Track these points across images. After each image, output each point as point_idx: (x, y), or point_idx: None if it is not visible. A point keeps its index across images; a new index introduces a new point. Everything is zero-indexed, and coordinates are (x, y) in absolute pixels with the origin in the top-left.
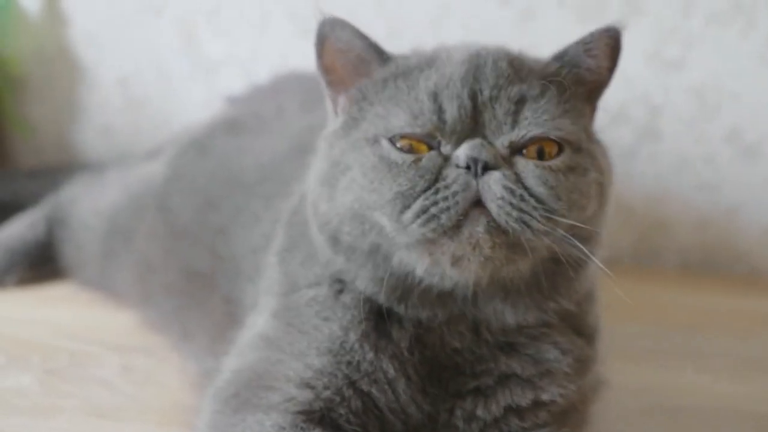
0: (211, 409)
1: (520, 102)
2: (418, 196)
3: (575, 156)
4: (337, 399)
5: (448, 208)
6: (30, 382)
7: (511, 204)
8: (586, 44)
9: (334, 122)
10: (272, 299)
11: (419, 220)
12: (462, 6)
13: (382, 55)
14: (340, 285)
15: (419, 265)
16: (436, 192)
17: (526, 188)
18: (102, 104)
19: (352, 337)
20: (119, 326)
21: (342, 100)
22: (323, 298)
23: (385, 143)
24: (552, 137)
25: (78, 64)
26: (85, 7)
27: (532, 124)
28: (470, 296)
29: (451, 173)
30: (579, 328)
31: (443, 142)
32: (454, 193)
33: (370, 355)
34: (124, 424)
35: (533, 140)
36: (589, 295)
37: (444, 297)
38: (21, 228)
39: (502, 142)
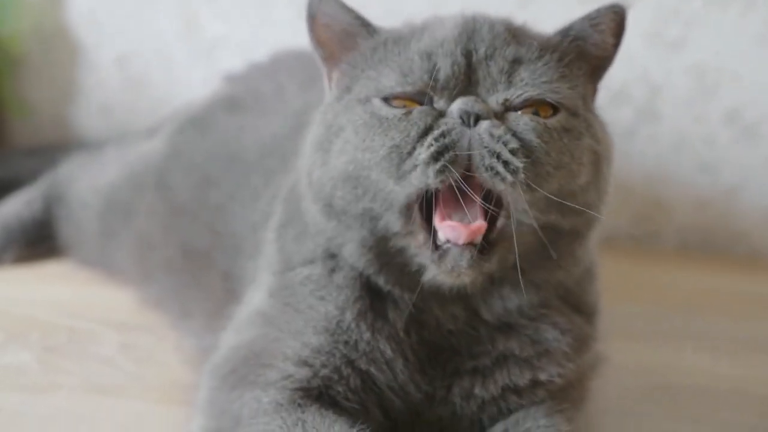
0: (209, 385)
1: (516, 62)
2: (414, 144)
3: (571, 119)
4: (335, 377)
5: (454, 160)
6: (29, 360)
7: (488, 149)
8: (592, 19)
9: (329, 96)
10: (269, 276)
11: (434, 167)
12: None
13: (369, 28)
14: (332, 263)
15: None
16: (442, 136)
17: (515, 135)
18: (100, 84)
19: (348, 316)
20: (118, 304)
21: (335, 74)
22: (317, 277)
23: (376, 101)
24: (548, 99)
25: (76, 44)
26: None
27: (528, 84)
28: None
29: (445, 122)
30: (578, 306)
31: (436, 98)
32: (453, 143)
33: (366, 335)
34: (123, 402)
35: (528, 101)
36: (588, 272)
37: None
38: (18, 206)
39: (496, 99)
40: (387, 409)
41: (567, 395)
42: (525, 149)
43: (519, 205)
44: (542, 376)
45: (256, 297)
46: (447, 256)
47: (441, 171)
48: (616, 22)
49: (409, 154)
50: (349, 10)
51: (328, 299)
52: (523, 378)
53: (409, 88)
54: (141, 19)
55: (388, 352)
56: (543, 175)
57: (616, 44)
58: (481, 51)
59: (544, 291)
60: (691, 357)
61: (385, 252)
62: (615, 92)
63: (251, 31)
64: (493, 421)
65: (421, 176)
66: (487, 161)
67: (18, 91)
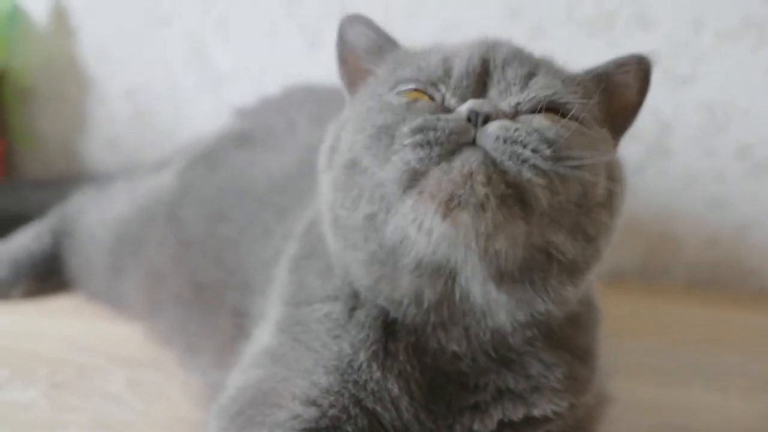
0: (217, 426)
1: (532, 74)
2: (407, 127)
3: (588, 127)
4: (344, 417)
5: (441, 142)
6: (36, 396)
7: (505, 139)
8: (620, 65)
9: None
10: (280, 309)
11: (412, 140)
12: (471, 21)
13: (394, 44)
14: (354, 301)
15: (408, 222)
16: (437, 120)
17: (529, 129)
18: (110, 116)
19: (362, 356)
20: (126, 340)
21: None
22: (337, 315)
23: (387, 93)
24: (561, 101)
25: (86, 76)
26: (94, 19)
27: (542, 88)
28: (464, 275)
29: (446, 117)
30: (568, 348)
31: (447, 95)
32: (450, 131)
33: (377, 375)
34: None
35: (540, 103)
36: (580, 317)
37: (438, 273)
38: (27, 239)
39: (508, 103)
40: None
41: None
42: (545, 140)
43: (543, 196)
44: (535, 412)
45: (264, 333)
46: (456, 156)
47: (419, 145)
48: (642, 70)
49: (403, 130)
50: (379, 30)
51: (344, 338)
52: (516, 413)
53: (422, 79)
54: (150, 52)
55: (395, 390)
56: (568, 165)
57: (641, 96)
58: (499, 59)
59: (533, 311)
60: (700, 394)
61: (393, 263)
62: None
63: (260, 63)
64: None
65: (405, 156)
66: (510, 148)
67: (27, 122)
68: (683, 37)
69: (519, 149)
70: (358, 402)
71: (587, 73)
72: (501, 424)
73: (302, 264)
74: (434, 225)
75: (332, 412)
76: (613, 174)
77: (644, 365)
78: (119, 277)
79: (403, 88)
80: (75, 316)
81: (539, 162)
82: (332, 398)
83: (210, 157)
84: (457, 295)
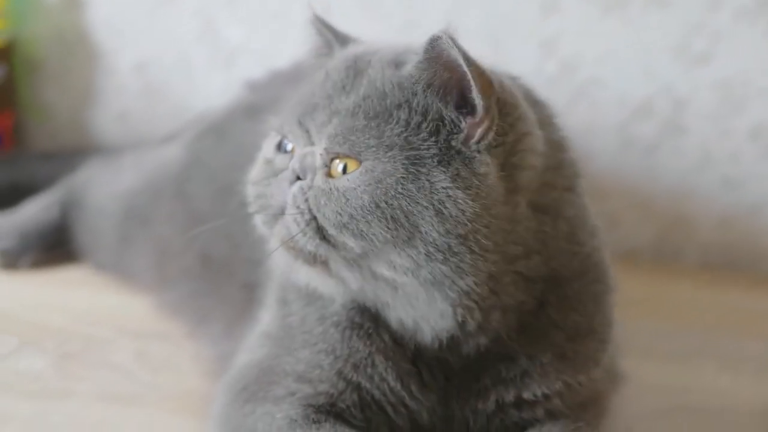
0: (223, 400)
1: (334, 114)
2: (257, 184)
3: (361, 176)
4: (334, 392)
5: (267, 207)
6: (44, 366)
7: (291, 213)
8: (415, 54)
9: None
10: (272, 291)
11: (253, 207)
12: None
13: (330, 47)
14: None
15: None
16: (268, 185)
17: (306, 199)
18: (119, 90)
19: (333, 327)
20: (135, 311)
21: None
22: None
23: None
24: (337, 153)
25: (95, 49)
26: None
27: (326, 138)
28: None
29: (282, 175)
30: (559, 326)
31: (294, 147)
32: (272, 194)
33: (354, 342)
34: (137, 410)
35: (330, 154)
36: (576, 293)
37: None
38: (35, 210)
39: (320, 153)
40: (396, 429)
41: (584, 413)
42: (311, 216)
43: (336, 258)
44: (525, 395)
45: (264, 313)
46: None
47: (257, 211)
48: (436, 56)
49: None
50: (320, 29)
51: (314, 311)
52: (509, 395)
53: (281, 129)
54: (160, 25)
55: (380, 364)
56: (333, 236)
57: (454, 81)
58: (320, 102)
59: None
60: (711, 377)
61: None
62: (638, 106)
63: (271, 37)
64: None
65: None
66: (292, 225)
67: (36, 95)
68: (699, 16)
69: (294, 227)
70: (339, 374)
71: (397, 75)
72: (498, 405)
73: None
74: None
75: (321, 387)
76: (395, 189)
77: (656, 345)
78: (127, 250)
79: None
80: (83, 287)
81: (310, 243)
82: (317, 372)
83: (219, 129)
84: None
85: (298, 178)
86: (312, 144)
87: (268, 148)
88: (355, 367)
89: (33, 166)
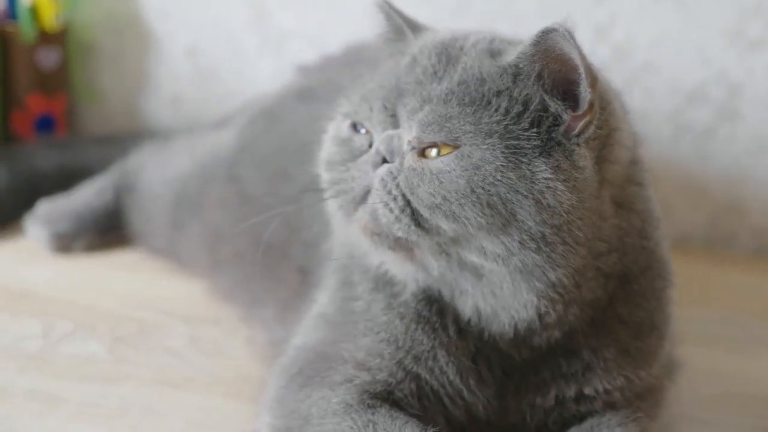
0: (277, 384)
1: (427, 101)
2: (334, 168)
3: (458, 160)
4: (392, 381)
5: (348, 191)
6: (98, 350)
7: (380, 197)
8: (527, 46)
9: None
10: (331, 276)
11: (329, 192)
12: None
13: (401, 32)
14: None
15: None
16: (347, 170)
17: (398, 185)
18: (171, 74)
19: (398, 319)
20: (187, 296)
21: None
22: (374, 275)
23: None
24: (439, 142)
25: (148, 34)
26: None
27: (419, 125)
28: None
29: (363, 158)
30: (623, 322)
31: (373, 131)
32: (353, 177)
33: (423, 339)
34: (190, 394)
35: (423, 141)
36: (640, 290)
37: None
38: (89, 194)
39: (408, 138)
40: (451, 421)
41: (640, 404)
42: (404, 199)
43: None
44: (587, 390)
45: (322, 297)
46: (359, 207)
47: (334, 196)
48: (550, 48)
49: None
50: (390, 14)
51: (376, 300)
52: (569, 391)
53: (356, 114)
54: (211, 10)
55: (441, 358)
56: (425, 219)
57: (562, 75)
58: (409, 87)
59: (520, 312)
60: (766, 364)
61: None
62: (691, 92)
63: (321, 23)
64: (561, 427)
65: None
66: (381, 209)
67: (90, 79)
68: (755, 1)
69: (386, 212)
70: (399, 363)
71: (503, 69)
72: (557, 399)
73: None
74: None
75: (380, 375)
76: (492, 173)
77: (709, 333)
78: (179, 234)
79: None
80: (136, 272)
81: (402, 229)
82: (377, 360)
83: (271, 113)
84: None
85: (384, 161)
86: (396, 128)
87: (339, 129)
88: (417, 359)
89: (86, 150)
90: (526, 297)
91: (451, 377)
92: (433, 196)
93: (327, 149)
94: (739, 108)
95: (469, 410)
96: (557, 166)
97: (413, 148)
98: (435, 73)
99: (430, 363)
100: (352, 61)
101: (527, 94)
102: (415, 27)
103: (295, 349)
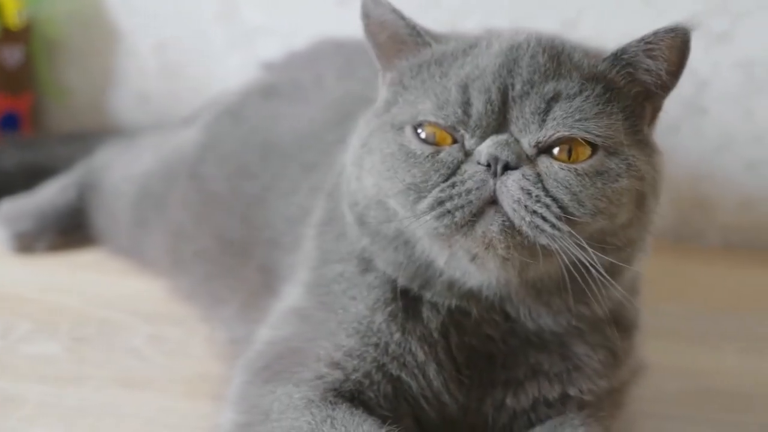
0: (242, 379)
1: (553, 100)
2: (432, 188)
3: (608, 160)
4: (366, 382)
5: (462, 206)
6: (57, 350)
7: (526, 206)
8: (647, 43)
9: (378, 102)
10: (307, 272)
11: (433, 213)
12: None
13: (420, 37)
14: (365, 263)
15: (440, 257)
16: (452, 186)
17: (545, 190)
18: (138, 70)
19: (379, 317)
20: (149, 295)
21: (389, 75)
22: (349, 275)
23: (408, 131)
24: (579, 138)
25: (114, 29)
26: None
27: (560, 123)
28: (500, 296)
29: (469, 169)
30: (616, 321)
31: (467, 136)
32: (468, 191)
33: (397, 336)
34: (151, 394)
35: (560, 141)
36: (631, 289)
37: (472, 292)
38: (52, 193)
39: (528, 141)
40: (419, 419)
41: (605, 404)
42: (558, 206)
43: (562, 247)
44: (571, 391)
45: (293, 293)
46: (478, 221)
47: (441, 216)
48: (675, 47)
49: (427, 195)
50: (401, 17)
51: (359, 299)
52: (552, 391)
53: (441, 121)
54: (179, 7)
55: (420, 356)
56: (581, 224)
57: (676, 71)
58: (518, 87)
59: (578, 316)
60: (733, 359)
61: (425, 274)
62: None
63: (290, 18)
64: (525, 430)
65: (432, 223)
66: (528, 218)
67: (55, 75)
68: None
69: (538, 220)
70: (380, 367)
71: (611, 63)
72: (535, 400)
73: (324, 230)
74: (463, 264)
75: (355, 375)
76: (639, 172)
77: (676, 328)
78: (142, 233)
79: (424, 123)
80: (98, 271)
81: (556, 233)
82: (355, 362)
83: (235, 111)
84: (495, 306)
85: (505, 169)
86: (502, 131)
87: (405, 142)
88: (396, 359)
89: (51, 149)
90: (609, 290)
91: (435, 383)
92: (599, 199)
93: (401, 172)
94: (705, 103)
95: (443, 411)
96: (658, 155)
97: (539, 151)
98: (547, 72)
99: (416, 371)
100: (318, 57)
101: (639, 90)
102: (428, 31)
103: (262, 344)
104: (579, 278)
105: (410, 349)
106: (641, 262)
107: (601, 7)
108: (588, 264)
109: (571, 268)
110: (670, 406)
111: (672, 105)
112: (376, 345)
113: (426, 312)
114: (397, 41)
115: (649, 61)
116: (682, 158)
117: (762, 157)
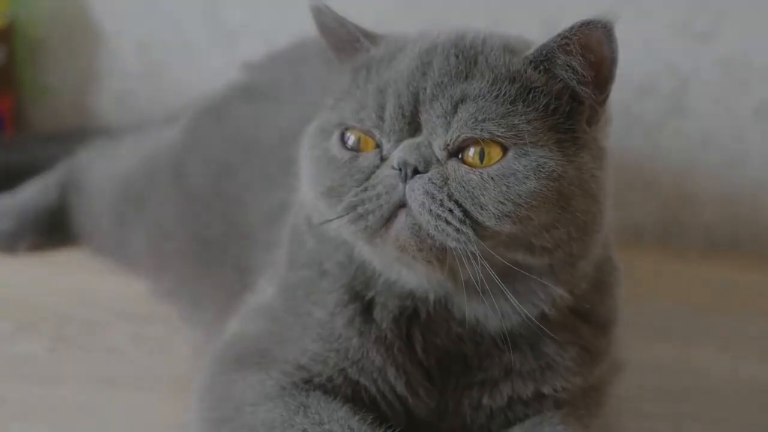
0: (210, 371)
1: (461, 101)
2: (347, 192)
3: (515, 162)
4: (329, 386)
5: (373, 210)
6: (39, 350)
7: (430, 210)
8: (563, 39)
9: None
10: (280, 274)
11: (348, 217)
12: None
13: (359, 42)
14: (320, 267)
15: (373, 258)
16: (365, 190)
17: (450, 194)
18: (120, 70)
19: (339, 322)
20: (131, 294)
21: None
22: (310, 280)
23: (335, 136)
24: (486, 139)
25: (97, 29)
26: None
27: (464, 125)
28: (443, 297)
29: (381, 173)
30: (587, 318)
31: (384, 141)
32: (378, 195)
33: (355, 341)
34: (133, 393)
35: (465, 142)
36: (601, 284)
37: (415, 294)
38: (33, 192)
39: (438, 144)
40: (387, 419)
41: (583, 402)
42: (461, 209)
43: (472, 251)
44: (545, 390)
45: (268, 289)
46: (391, 225)
47: (356, 220)
48: (593, 40)
49: (342, 199)
50: (342, 24)
51: (320, 304)
52: (526, 390)
53: (358, 125)
54: (161, 6)
55: (378, 360)
56: (487, 227)
57: (597, 65)
58: (429, 90)
59: (527, 318)
60: (711, 357)
61: (365, 275)
62: (640, 84)
63: (272, 18)
64: (504, 429)
65: (349, 226)
66: (433, 222)
67: (37, 75)
68: None
69: (442, 224)
70: (341, 372)
71: (526, 62)
72: (511, 399)
73: (294, 234)
74: (395, 266)
75: (318, 380)
76: (553, 174)
77: (657, 326)
78: (123, 233)
79: (344, 129)
80: (80, 271)
81: (461, 237)
82: (319, 367)
83: (215, 111)
84: (444, 306)
85: (415, 172)
86: (417, 134)
87: (329, 146)
88: (362, 370)
89: (33, 148)
90: (551, 289)
91: (398, 387)
92: (502, 202)
93: (322, 176)
94: (687, 101)
95: (411, 416)
96: (593, 154)
97: (450, 153)
98: (458, 73)
99: (374, 375)
100: (298, 57)
101: (560, 87)
102: (369, 35)
103: (232, 336)
104: (515, 279)
105: (367, 354)
106: (591, 261)
107: (584, 7)
108: (522, 265)
109: (502, 270)
110: (653, 403)
111: (654, 104)
112: (338, 350)
113: (378, 314)
114: (342, 47)
115: (565, 57)
116: (665, 156)
117: (742, 155)
